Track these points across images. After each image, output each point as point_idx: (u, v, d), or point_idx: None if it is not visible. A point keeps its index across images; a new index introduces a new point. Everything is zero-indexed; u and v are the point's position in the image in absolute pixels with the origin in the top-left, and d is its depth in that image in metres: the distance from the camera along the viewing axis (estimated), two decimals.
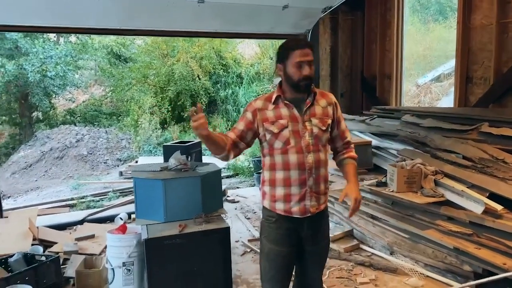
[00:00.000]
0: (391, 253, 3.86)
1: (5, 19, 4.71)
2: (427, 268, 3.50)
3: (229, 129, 13.78)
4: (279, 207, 2.14)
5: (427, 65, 9.92)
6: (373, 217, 4.20)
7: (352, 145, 2.36)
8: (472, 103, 4.77)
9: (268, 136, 2.12)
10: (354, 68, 6.69)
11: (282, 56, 2.12)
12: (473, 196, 3.31)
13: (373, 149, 4.97)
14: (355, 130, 5.37)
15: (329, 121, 2.18)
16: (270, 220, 2.17)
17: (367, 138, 5.15)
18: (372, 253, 3.99)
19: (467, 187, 3.46)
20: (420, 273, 3.46)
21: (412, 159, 4.02)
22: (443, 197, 3.58)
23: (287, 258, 2.19)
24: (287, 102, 2.13)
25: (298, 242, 2.19)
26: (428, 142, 4.27)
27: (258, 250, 4.15)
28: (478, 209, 3.23)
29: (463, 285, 3.12)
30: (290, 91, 2.15)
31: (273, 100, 2.14)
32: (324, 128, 2.14)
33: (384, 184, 4.07)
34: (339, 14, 6.48)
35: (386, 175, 4.09)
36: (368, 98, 6.58)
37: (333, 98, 2.26)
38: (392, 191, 3.87)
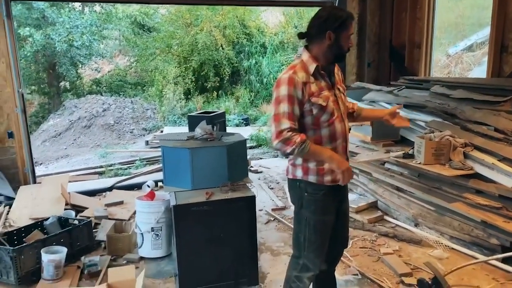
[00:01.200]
0: (416, 225, 3.86)
1: None
2: (453, 241, 3.49)
3: (252, 100, 13.51)
4: (327, 179, 2.14)
5: (459, 33, 9.49)
6: (398, 189, 4.17)
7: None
8: (507, 74, 4.57)
9: (315, 111, 2.06)
10: (383, 37, 6.48)
11: (338, 25, 2.03)
12: (504, 169, 3.24)
13: None
14: (382, 101, 5.25)
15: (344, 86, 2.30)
16: (318, 193, 2.15)
17: None
18: (396, 225, 3.99)
19: (498, 160, 3.37)
20: (445, 245, 3.45)
21: (441, 131, 3.93)
22: (472, 170, 3.50)
23: (331, 226, 2.24)
24: (323, 72, 2.12)
25: (338, 207, 2.28)
26: (458, 114, 4.15)
27: (281, 219, 4.25)
28: (509, 183, 3.16)
29: (489, 258, 3.10)
30: (325, 60, 2.11)
31: (312, 71, 2.07)
32: (345, 93, 2.27)
33: (411, 156, 4.01)
34: None
35: (413, 147, 4.02)
36: (396, 68, 6.39)
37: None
38: (419, 163, 3.81)
